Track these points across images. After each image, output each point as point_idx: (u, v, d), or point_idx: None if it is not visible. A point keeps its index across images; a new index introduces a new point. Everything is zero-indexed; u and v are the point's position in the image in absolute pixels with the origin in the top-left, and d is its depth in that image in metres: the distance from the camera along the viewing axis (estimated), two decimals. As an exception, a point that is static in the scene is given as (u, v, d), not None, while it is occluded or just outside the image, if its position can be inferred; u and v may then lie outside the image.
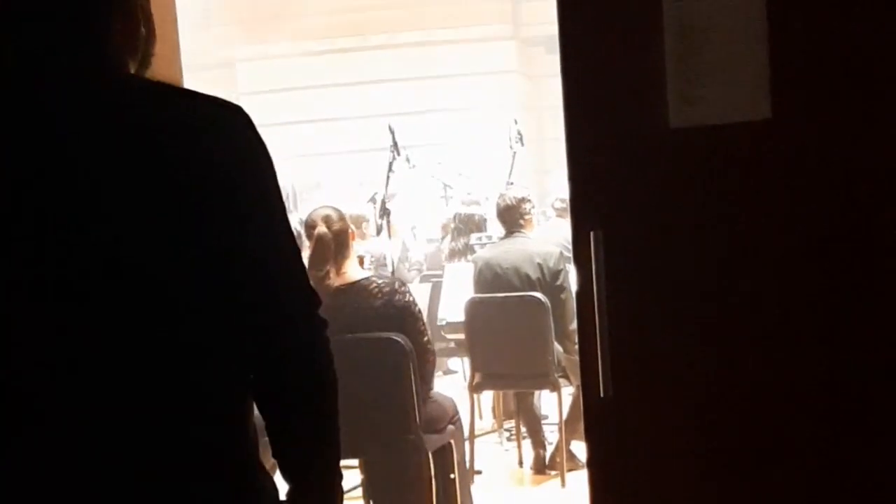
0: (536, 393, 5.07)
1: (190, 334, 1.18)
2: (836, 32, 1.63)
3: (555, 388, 4.68)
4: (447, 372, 7.61)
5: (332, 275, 3.38)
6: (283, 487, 1.30)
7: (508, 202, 4.89)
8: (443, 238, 7.63)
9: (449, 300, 5.43)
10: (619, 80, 1.73)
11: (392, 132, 5.81)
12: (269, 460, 1.30)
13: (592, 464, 1.82)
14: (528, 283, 4.70)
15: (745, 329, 1.72)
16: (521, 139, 7.39)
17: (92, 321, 1.13)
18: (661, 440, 1.77)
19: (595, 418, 1.80)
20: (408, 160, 6.15)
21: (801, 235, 1.68)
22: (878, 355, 1.67)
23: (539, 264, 4.71)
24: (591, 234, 1.72)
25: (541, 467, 5.07)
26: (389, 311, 3.40)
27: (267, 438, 1.28)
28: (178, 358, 1.17)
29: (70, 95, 1.15)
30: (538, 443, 5.09)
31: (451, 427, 3.73)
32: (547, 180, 13.91)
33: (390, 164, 5.88)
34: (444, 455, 3.69)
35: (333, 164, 16.40)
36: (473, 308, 4.78)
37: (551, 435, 5.20)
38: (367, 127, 14.82)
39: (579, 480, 4.56)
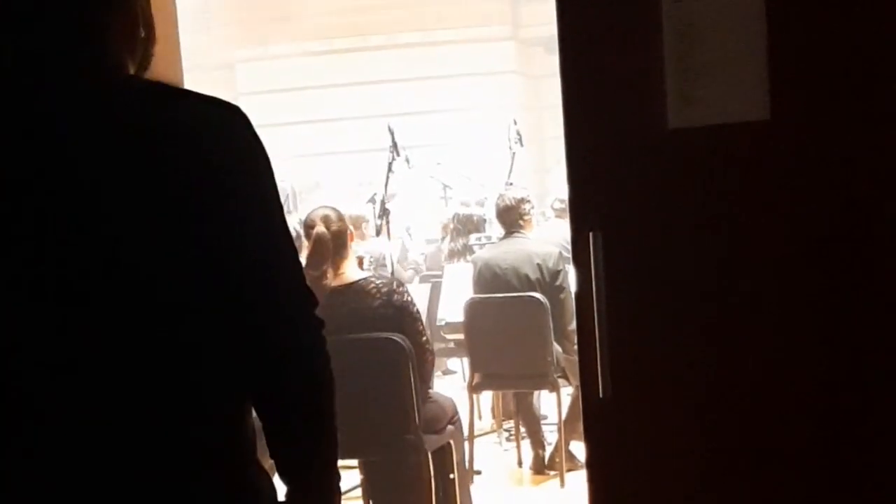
0: (536, 393, 5.08)
1: (189, 334, 1.18)
2: (834, 32, 1.63)
3: (554, 388, 4.68)
4: (446, 372, 7.61)
5: (330, 275, 3.38)
6: (281, 488, 1.30)
7: (508, 203, 4.90)
8: (443, 238, 7.64)
9: (448, 300, 5.43)
10: (618, 81, 1.73)
11: (391, 133, 5.82)
12: (267, 461, 1.30)
13: (591, 464, 1.82)
14: (528, 283, 4.71)
15: (745, 329, 1.72)
16: (520, 139, 7.39)
17: (91, 321, 1.13)
18: (660, 440, 1.77)
19: (594, 418, 1.80)
20: (407, 161, 6.15)
21: (801, 235, 1.68)
22: (878, 355, 1.67)
23: (538, 265, 4.71)
24: (591, 234, 1.72)
25: (540, 467, 5.08)
26: (388, 311, 3.40)
27: (264, 439, 1.28)
28: (177, 358, 1.17)
29: (70, 96, 1.15)
30: (537, 443, 5.09)
31: (450, 427, 3.73)
32: (547, 180, 13.92)
33: (390, 165, 5.89)
34: (443, 455, 3.70)
35: (333, 165, 16.40)
36: (473, 308, 4.78)
37: (550, 435, 5.20)
38: (366, 127, 14.83)
39: (578, 480, 4.55)
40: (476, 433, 5.22)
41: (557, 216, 6.98)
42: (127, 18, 1.24)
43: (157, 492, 1.17)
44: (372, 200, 6.59)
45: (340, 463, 1.35)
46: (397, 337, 3.37)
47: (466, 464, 4.35)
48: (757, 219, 1.69)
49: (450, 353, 6.15)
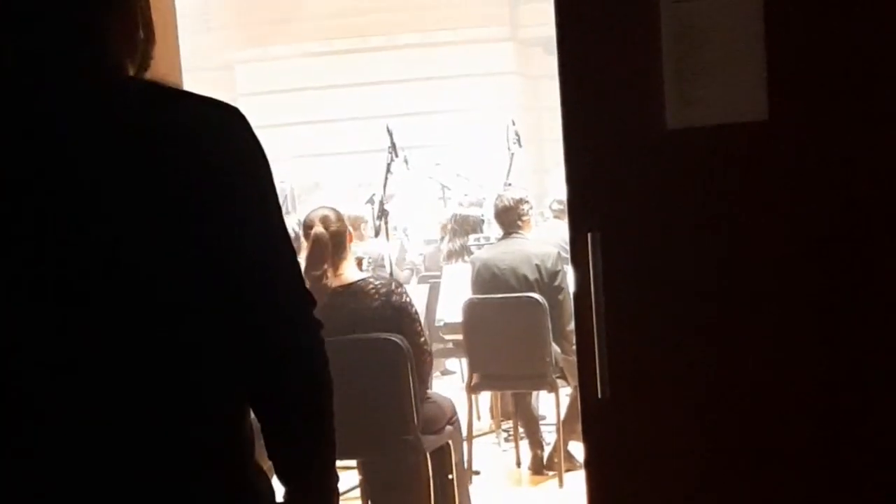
0: (534, 393, 5.08)
1: (188, 334, 1.18)
2: (833, 33, 1.64)
3: (552, 388, 4.68)
4: (445, 372, 7.61)
5: (329, 275, 3.38)
6: (279, 490, 1.30)
7: (506, 203, 4.90)
8: (441, 239, 7.64)
9: (447, 301, 5.43)
10: (617, 82, 1.73)
11: (390, 133, 5.82)
12: (265, 462, 1.30)
13: (590, 464, 1.82)
14: (526, 283, 4.71)
15: (743, 330, 1.72)
16: (518, 140, 7.40)
17: (91, 321, 1.13)
18: (658, 441, 1.77)
19: (592, 419, 1.80)
20: (406, 161, 6.16)
21: (800, 236, 1.68)
22: (878, 355, 1.67)
23: (537, 265, 4.72)
24: (589, 235, 1.72)
25: (538, 468, 5.08)
26: (386, 312, 3.40)
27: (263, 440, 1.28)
28: (177, 358, 1.17)
29: (70, 96, 1.16)
30: (536, 443, 5.10)
31: (449, 427, 3.73)
32: (546, 180, 13.92)
33: (388, 166, 5.89)
34: (442, 455, 3.70)
35: (332, 166, 16.40)
36: (471, 309, 4.78)
37: (549, 435, 5.21)
38: (365, 128, 14.84)
39: (577, 481, 4.55)
40: (475, 433, 5.22)
41: (556, 217, 6.98)
42: (126, 20, 1.24)
43: (157, 492, 1.17)
44: (371, 201, 6.59)
45: (339, 463, 1.35)
46: (396, 338, 3.37)
47: (465, 464, 4.35)
48: (755, 219, 1.70)
49: (448, 354, 6.15)
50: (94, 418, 1.14)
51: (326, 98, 17.67)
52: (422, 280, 6.68)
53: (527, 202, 4.95)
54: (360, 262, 3.80)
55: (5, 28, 1.16)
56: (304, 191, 12.55)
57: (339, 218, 3.47)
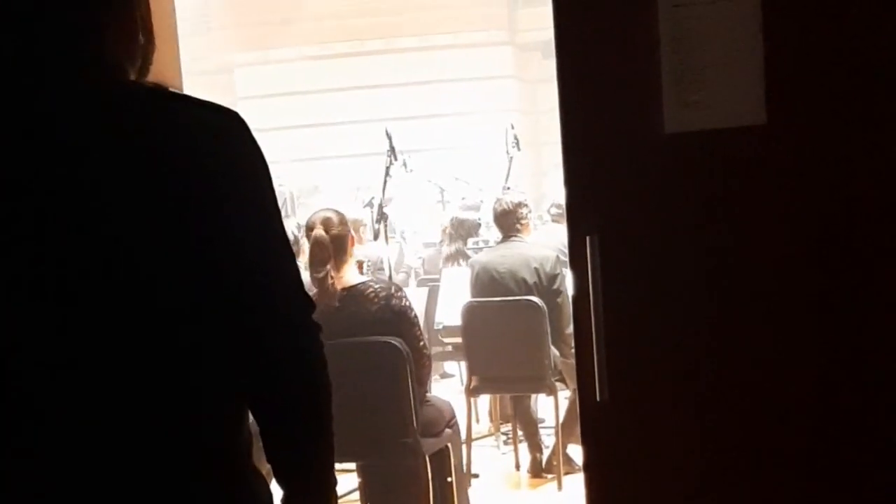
0: (533, 396, 5.08)
1: (187, 336, 1.18)
2: (830, 37, 1.64)
3: (551, 391, 4.68)
4: (444, 376, 7.61)
5: (329, 278, 3.38)
6: (277, 494, 1.31)
7: (505, 207, 4.90)
8: (441, 242, 7.65)
9: (446, 304, 5.44)
10: (615, 85, 1.73)
11: (389, 136, 5.83)
12: (264, 466, 1.30)
13: (589, 467, 1.82)
14: (525, 287, 4.71)
15: (741, 332, 1.72)
16: (517, 143, 7.40)
17: (91, 321, 1.13)
18: (657, 443, 1.77)
19: (591, 422, 1.80)
20: (405, 164, 6.16)
21: (798, 238, 1.69)
22: (878, 355, 1.67)
23: (536, 268, 4.72)
24: (588, 238, 1.73)
25: (537, 471, 5.08)
26: (386, 316, 3.40)
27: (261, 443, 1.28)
28: (177, 359, 1.18)
29: (69, 96, 1.16)
30: (535, 446, 5.10)
31: (448, 431, 3.73)
32: (544, 184, 13.94)
33: (387, 169, 5.89)
34: (441, 459, 3.70)
35: (331, 169, 16.42)
36: (470, 312, 4.78)
37: (548, 438, 5.21)
38: (364, 131, 14.85)
39: (576, 484, 4.55)
40: (474, 436, 5.22)
41: (554, 220, 6.99)
42: (126, 23, 1.24)
43: (156, 492, 1.17)
44: (370, 204, 6.59)
45: (338, 466, 1.35)
46: (395, 341, 3.37)
47: (464, 467, 4.35)
48: (754, 222, 1.70)
49: (447, 357, 6.15)
50: (93, 418, 1.14)
51: (325, 101, 17.70)
52: (421, 283, 6.68)
53: (525, 205, 4.96)
54: (360, 266, 3.79)
55: (5, 28, 1.16)
56: (303, 194, 12.56)
57: (343, 221, 3.45)
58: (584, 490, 1.83)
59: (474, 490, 4.65)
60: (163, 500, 1.18)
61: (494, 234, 5.52)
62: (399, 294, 3.46)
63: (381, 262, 5.81)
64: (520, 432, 5.24)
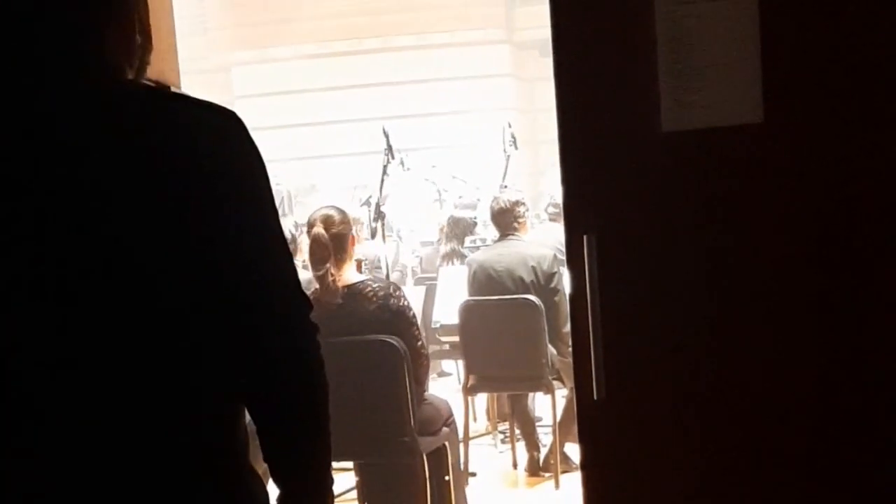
0: (530, 395, 5.08)
1: (186, 335, 1.18)
2: (827, 37, 1.65)
3: (548, 390, 4.68)
4: (441, 374, 7.62)
5: (330, 276, 3.38)
6: (273, 494, 1.31)
7: (502, 205, 4.90)
8: (438, 241, 7.65)
9: (443, 303, 5.44)
10: (612, 84, 1.74)
11: (386, 135, 5.83)
12: (260, 465, 1.30)
13: (586, 466, 1.83)
14: (522, 285, 4.71)
15: (739, 331, 1.73)
16: (514, 142, 7.41)
17: (91, 321, 1.14)
18: (654, 442, 1.77)
19: (588, 420, 1.80)
20: (402, 163, 6.16)
21: (796, 237, 1.69)
22: (878, 355, 1.68)
23: (533, 267, 4.72)
24: (585, 237, 1.73)
25: (535, 469, 5.08)
26: (384, 315, 3.40)
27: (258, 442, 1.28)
28: (176, 358, 1.18)
29: (69, 96, 1.16)
30: (532, 445, 5.10)
31: (445, 429, 3.73)
32: (541, 182, 13.94)
33: (385, 168, 5.89)
34: (438, 457, 3.70)
35: (328, 167, 16.42)
36: (468, 311, 4.78)
37: (545, 437, 5.21)
38: (361, 130, 14.86)
39: (573, 482, 4.56)
40: (471, 435, 5.22)
41: (552, 219, 6.99)
42: (125, 24, 1.24)
43: (156, 492, 1.17)
44: (367, 203, 6.59)
45: (336, 465, 1.35)
46: (393, 340, 3.37)
47: (461, 466, 4.35)
48: (751, 221, 1.70)
49: (445, 356, 6.15)
50: (92, 418, 1.14)
51: (323, 100, 17.69)
52: (418, 282, 6.68)
53: (523, 204, 4.95)
54: (359, 265, 3.79)
55: (5, 28, 1.16)
56: (300, 193, 12.57)
57: (344, 220, 3.44)
58: (581, 489, 1.83)
59: (471, 489, 4.66)
60: (162, 500, 1.18)
61: (492, 232, 5.52)
62: (398, 293, 3.46)
63: (378, 261, 5.81)
64: (517, 431, 5.24)
